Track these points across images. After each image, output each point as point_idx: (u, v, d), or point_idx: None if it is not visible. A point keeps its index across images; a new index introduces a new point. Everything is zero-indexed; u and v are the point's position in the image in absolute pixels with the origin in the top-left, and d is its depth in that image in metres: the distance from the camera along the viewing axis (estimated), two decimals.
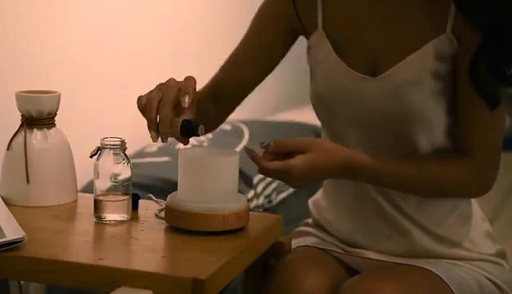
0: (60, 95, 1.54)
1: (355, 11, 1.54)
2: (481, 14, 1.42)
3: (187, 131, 1.38)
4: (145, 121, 1.38)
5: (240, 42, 1.64)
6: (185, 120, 1.38)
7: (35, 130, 1.53)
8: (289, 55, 1.66)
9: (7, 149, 1.53)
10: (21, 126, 1.53)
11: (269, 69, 1.64)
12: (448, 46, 1.47)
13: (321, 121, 1.60)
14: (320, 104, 1.56)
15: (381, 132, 1.50)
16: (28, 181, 1.51)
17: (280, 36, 1.61)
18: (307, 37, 1.60)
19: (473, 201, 1.61)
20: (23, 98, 1.53)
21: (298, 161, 1.40)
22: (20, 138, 1.53)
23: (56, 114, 1.55)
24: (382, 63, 1.51)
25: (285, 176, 1.41)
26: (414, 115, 1.48)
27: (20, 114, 1.54)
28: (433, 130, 1.50)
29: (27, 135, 1.52)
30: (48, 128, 1.54)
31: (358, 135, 1.53)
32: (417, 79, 1.47)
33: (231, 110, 1.67)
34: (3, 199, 1.51)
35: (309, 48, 1.60)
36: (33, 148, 1.52)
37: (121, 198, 1.44)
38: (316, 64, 1.57)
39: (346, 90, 1.52)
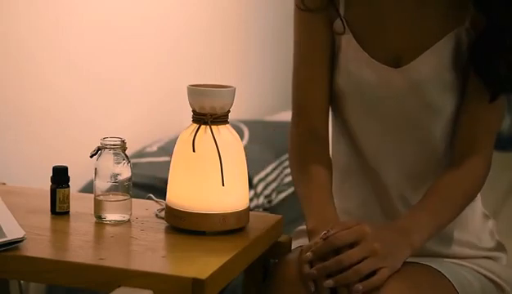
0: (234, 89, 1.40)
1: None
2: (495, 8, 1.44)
3: None
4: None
5: (297, 51, 1.58)
6: None
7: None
8: (289, 54, 1.65)
9: (193, 151, 1.38)
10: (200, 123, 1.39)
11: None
12: (466, 38, 1.48)
13: (332, 109, 1.60)
14: (337, 92, 1.56)
15: (396, 122, 1.51)
16: (223, 184, 1.39)
17: (327, 27, 1.56)
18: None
19: (477, 198, 1.60)
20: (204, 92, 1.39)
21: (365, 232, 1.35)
22: (206, 136, 1.39)
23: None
24: (404, 54, 1.51)
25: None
26: (432, 107, 1.50)
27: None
28: (447, 120, 1.51)
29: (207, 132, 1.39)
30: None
31: (370, 124, 1.54)
32: (437, 72, 1.48)
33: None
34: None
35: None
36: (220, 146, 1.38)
37: (121, 198, 1.44)
38: (338, 52, 1.56)
39: (367, 80, 1.52)
